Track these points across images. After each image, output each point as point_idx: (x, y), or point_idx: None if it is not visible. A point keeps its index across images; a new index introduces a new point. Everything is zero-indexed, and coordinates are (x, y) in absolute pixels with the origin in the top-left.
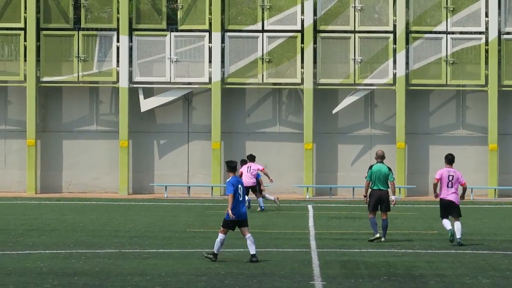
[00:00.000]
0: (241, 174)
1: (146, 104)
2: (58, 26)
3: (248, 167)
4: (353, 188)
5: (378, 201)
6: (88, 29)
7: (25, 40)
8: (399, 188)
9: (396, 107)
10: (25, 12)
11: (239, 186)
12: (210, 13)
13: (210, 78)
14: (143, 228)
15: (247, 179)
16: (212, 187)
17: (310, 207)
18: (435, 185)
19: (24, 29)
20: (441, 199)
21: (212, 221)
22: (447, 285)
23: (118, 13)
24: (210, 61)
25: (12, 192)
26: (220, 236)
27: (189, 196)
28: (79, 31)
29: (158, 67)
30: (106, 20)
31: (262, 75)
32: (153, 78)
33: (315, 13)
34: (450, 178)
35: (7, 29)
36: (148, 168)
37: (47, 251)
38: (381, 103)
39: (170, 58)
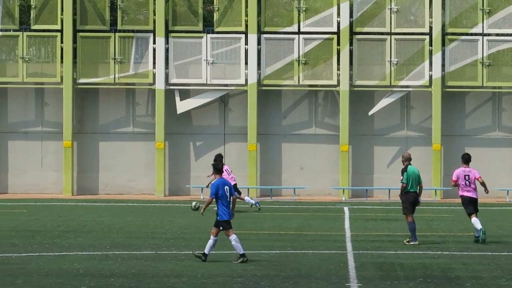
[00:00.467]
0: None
1: (182, 106)
2: (95, 28)
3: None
4: (389, 190)
5: (414, 203)
6: (124, 31)
7: (61, 42)
8: (435, 190)
9: (432, 109)
10: (62, 14)
11: (226, 187)
12: (246, 15)
13: (246, 80)
14: (179, 229)
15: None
16: (248, 189)
17: (346, 209)
18: (454, 186)
19: (61, 31)
20: (461, 196)
21: (248, 223)
22: (482, 287)
23: (154, 14)
24: (246, 63)
25: (49, 194)
26: (212, 238)
27: None
28: (116, 33)
29: (194, 69)
30: (142, 21)
31: (298, 77)
32: (189, 80)
33: (351, 15)
34: (466, 178)
35: (44, 31)
36: (184, 169)
37: (84, 253)
38: (417, 105)
39: (206, 60)
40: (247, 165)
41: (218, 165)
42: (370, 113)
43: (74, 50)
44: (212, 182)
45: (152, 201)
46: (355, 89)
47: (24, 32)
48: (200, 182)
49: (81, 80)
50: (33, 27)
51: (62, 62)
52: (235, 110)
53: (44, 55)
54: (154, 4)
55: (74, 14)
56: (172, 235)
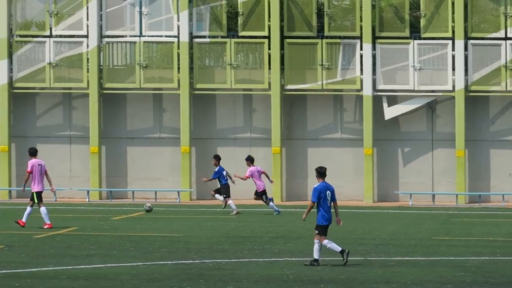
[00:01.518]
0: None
1: (390, 112)
2: (302, 34)
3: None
4: None
5: None
6: (331, 37)
7: (269, 48)
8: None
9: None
10: (269, 21)
11: (328, 192)
12: (453, 21)
13: (453, 86)
14: (388, 235)
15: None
16: (457, 195)
17: None
18: None
19: (268, 37)
20: None
21: (457, 229)
22: None
23: (361, 21)
24: (453, 69)
25: (257, 201)
26: (317, 242)
27: (434, 204)
28: (323, 39)
29: (401, 75)
30: (349, 28)
31: (506, 83)
32: (396, 86)
33: None
34: None
35: (251, 37)
36: (393, 176)
37: (293, 259)
38: None
39: (414, 66)
40: (455, 172)
41: (321, 169)
42: None
43: (282, 57)
44: (315, 186)
45: (361, 207)
46: None
47: (231, 39)
48: (408, 188)
49: (289, 87)
50: (240, 34)
51: (269, 68)
52: (442, 116)
53: (252, 61)
54: (361, 10)
55: (281, 20)
56: (381, 241)
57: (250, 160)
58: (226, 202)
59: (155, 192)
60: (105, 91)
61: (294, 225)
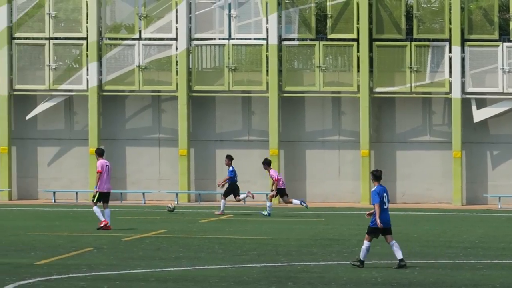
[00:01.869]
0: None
1: (479, 115)
2: (390, 37)
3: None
4: None
5: None
6: (420, 40)
7: (358, 51)
8: None
9: None
10: (358, 23)
11: (384, 194)
12: None
13: None
14: (477, 238)
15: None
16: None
17: None
18: None
19: (357, 40)
20: None
21: None
22: None
23: (450, 23)
24: None
25: (346, 203)
26: (366, 243)
27: None
28: (411, 42)
29: (490, 78)
30: (438, 30)
31: None
32: (485, 89)
33: None
34: None
35: (340, 40)
36: (482, 178)
37: (382, 261)
38: None
39: (503, 68)
40: None
41: (377, 173)
42: None
43: (370, 59)
44: (373, 189)
45: (449, 210)
46: None
47: (320, 41)
48: (497, 191)
49: (378, 89)
50: (329, 36)
51: (358, 71)
52: None
53: (341, 64)
54: (450, 13)
55: (370, 23)
56: (470, 244)
57: (267, 163)
58: (249, 195)
59: None
60: (194, 94)
61: None
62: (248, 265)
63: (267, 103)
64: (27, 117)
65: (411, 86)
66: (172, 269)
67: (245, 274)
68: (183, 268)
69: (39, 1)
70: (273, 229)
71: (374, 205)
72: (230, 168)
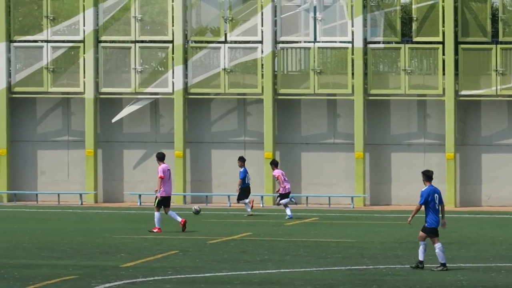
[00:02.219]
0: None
1: None
2: (476, 40)
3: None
4: None
5: None
6: (506, 43)
7: (443, 54)
8: None
9: None
10: (443, 26)
11: (436, 195)
12: None
13: None
14: None
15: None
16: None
17: None
18: None
19: (443, 43)
20: None
21: None
22: None
23: None
24: None
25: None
26: (422, 244)
27: None
28: (497, 45)
29: None
30: None
31: None
32: None
33: None
34: None
35: (425, 43)
36: None
37: (467, 265)
38: None
39: None
40: None
41: (428, 173)
42: None
43: (456, 62)
44: (423, 190)
45: None
46: None
47: (406, 44)
48: None
49: (463, 92)
50: (414, 39)
51: (443, 74)
52: None
53: (426, 67)
54: None
55: (456, 26)
56: None
57: (274, 164)
58: (252, 202)
59: (329, 197)
60: (279, 97)
61: (467, 231)
62: (333, 268)
63: (353, 106)
64: (113, 120)
65: (496, 89)
66: (257, 272)
67: (330, 277)
68: (268, 271)
69: (125, 5)
70: (358, 232)
71: (419, 204)
72: (242, 169)
